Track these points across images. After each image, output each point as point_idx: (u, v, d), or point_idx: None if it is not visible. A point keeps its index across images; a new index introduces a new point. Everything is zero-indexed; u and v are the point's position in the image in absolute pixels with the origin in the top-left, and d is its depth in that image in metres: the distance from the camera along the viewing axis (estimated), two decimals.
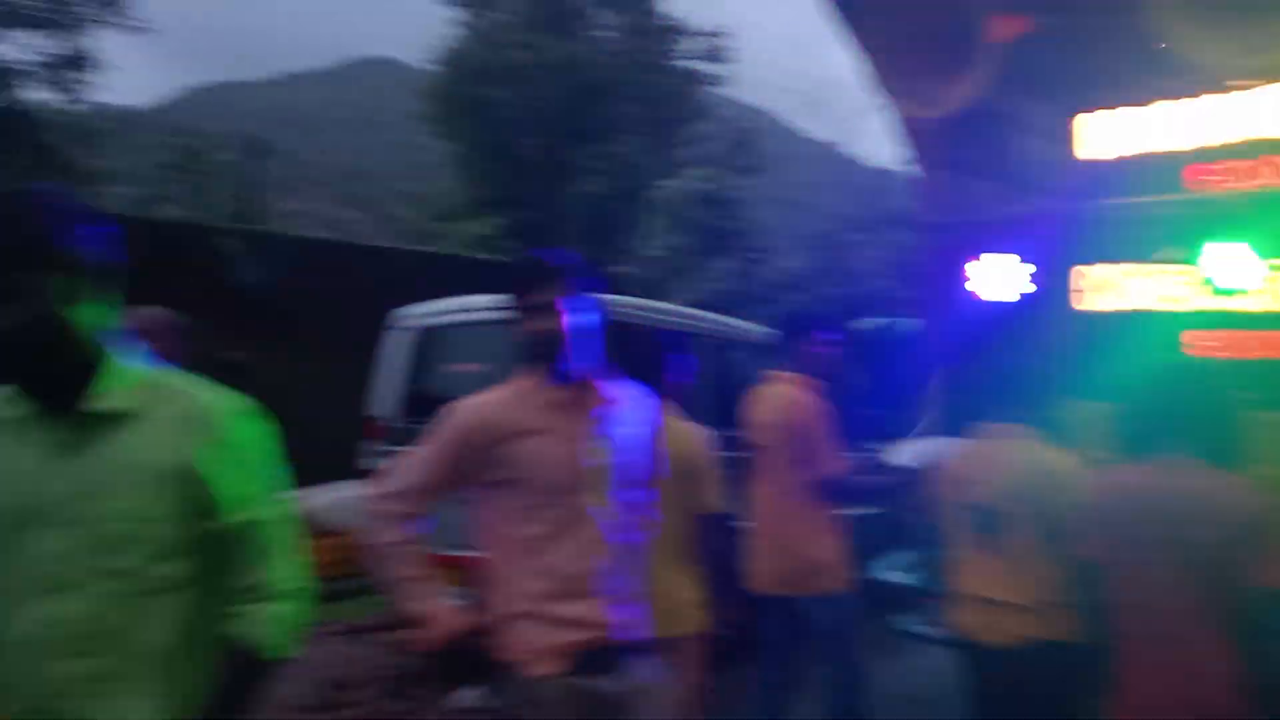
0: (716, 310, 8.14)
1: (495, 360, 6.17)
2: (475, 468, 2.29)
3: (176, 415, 1.63)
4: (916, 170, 5.29)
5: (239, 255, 10.41)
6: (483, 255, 16.19)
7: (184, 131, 19.95)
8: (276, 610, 1.68)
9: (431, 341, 6.34)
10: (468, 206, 19.91)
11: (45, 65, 12.80)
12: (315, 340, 9.93)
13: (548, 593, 2.22)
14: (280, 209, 18.39)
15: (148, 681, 1.61)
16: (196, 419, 1.64)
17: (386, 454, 6.09)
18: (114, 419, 1.61)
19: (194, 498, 1.61)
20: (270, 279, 9.94)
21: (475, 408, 2.35)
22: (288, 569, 1.71)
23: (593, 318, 2.34)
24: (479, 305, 6.40)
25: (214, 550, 1.64)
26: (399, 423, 6.23)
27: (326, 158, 41.17)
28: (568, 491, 2.25)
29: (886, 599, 4.79)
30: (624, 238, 18.56)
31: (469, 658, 2.28)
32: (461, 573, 5.42)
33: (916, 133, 5.00)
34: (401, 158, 43.11)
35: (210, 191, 14.58)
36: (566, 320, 2.29)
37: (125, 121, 21.75)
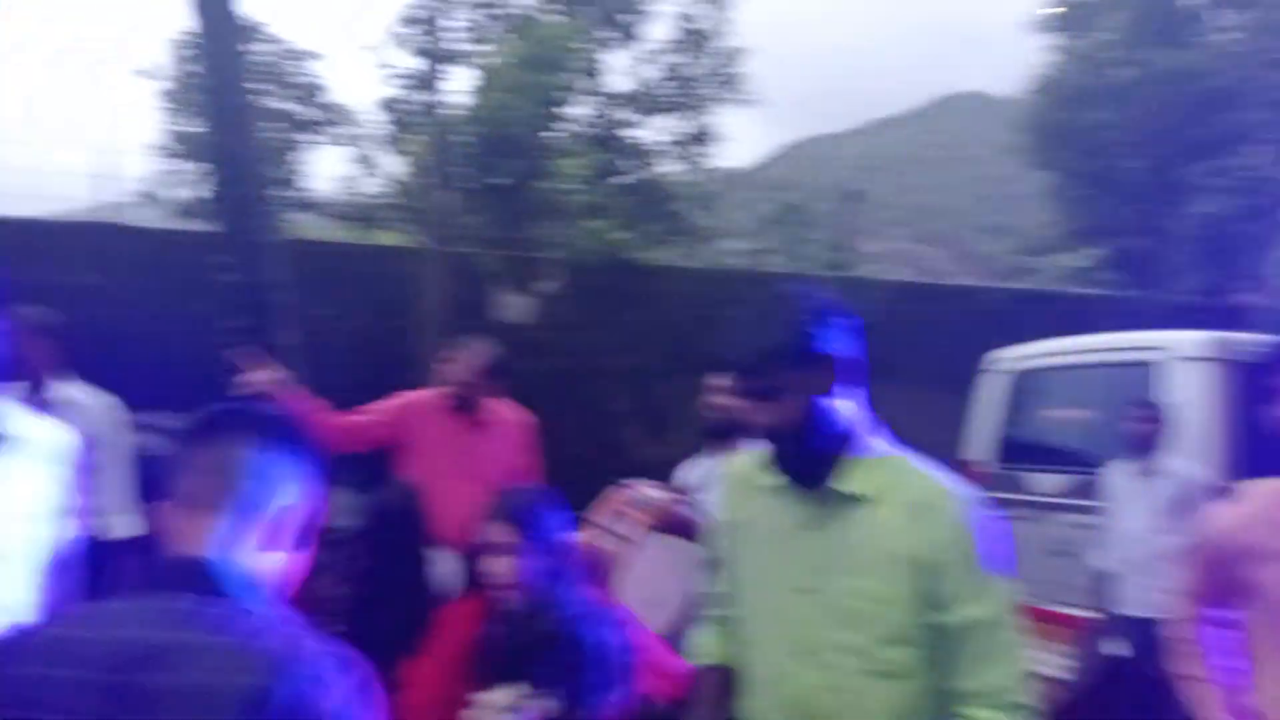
0: None
1: (1098, 407, 5.79)
2: (1222, 587, 2.01)
3: (911, 501, 1.70)
4: None
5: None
6: (1080, 290, 15.20)
7: (782, 186, 21.69)
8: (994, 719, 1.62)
9: (1029, 385, 6.15)
10: (1060, 238, 18.83)
11: (675, 143, 14.91)
12: (909, 381, 10.13)
13: None
14: (867, 252, 19.12)
15: None
16: (930, 507, 1.69)
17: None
18: (854, 500, 1.72)
19: (923, 586, 1.64)
20: (865, 323, 10.38)
21: (1216, 519, 2.05)
22: (1008, 677, 1.65)
23: None
24: (1079, 347, 6.04)
25: (938, 644, 1.65)
26: (995, 468, 6.12)
27: (907, 198, 41.84)
28: None
29: None
30: (1252, 263, 16.13)
31: None
32: (1063, 630, 5.14)
33: None
34: (983, 192, 42.27)
35: (808, 241, 15.67)
36: None
37: (733, 182, 24.31)
